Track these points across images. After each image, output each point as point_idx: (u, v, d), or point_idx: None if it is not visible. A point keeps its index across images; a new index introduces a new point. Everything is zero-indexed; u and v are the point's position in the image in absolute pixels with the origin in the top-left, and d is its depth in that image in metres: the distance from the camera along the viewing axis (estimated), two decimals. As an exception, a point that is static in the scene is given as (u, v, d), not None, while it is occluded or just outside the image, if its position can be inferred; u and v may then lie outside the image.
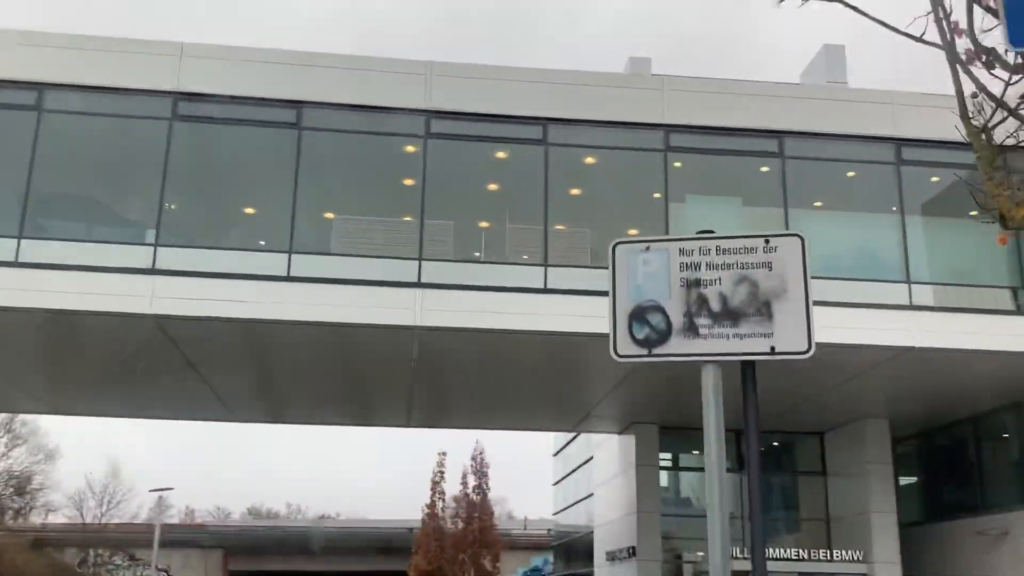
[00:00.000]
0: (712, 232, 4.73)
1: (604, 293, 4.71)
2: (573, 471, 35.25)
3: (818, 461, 24.72)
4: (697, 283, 4.67)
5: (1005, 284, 17.38)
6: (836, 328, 16.28)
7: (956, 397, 21.00)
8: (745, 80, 19.82)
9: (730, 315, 4.63)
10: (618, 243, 4.80)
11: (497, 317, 15.60)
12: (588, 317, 15.61)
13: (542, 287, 15.97)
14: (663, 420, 23.97)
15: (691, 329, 4.63)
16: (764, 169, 17.65)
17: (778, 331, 4.56)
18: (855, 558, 21.84)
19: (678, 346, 4.63)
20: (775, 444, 25.60)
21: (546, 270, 16.04)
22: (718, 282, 4.66)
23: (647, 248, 4.74)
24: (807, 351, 4.52)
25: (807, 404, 20.83)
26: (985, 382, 19.30)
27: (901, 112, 17.36)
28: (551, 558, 59.28)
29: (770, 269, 4.59)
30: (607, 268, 4.70)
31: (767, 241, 4.65)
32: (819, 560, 21.84)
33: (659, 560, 23.22)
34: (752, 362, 4.64)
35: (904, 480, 23.27)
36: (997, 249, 17.57)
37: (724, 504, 4.37)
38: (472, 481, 46.61)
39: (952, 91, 6.31)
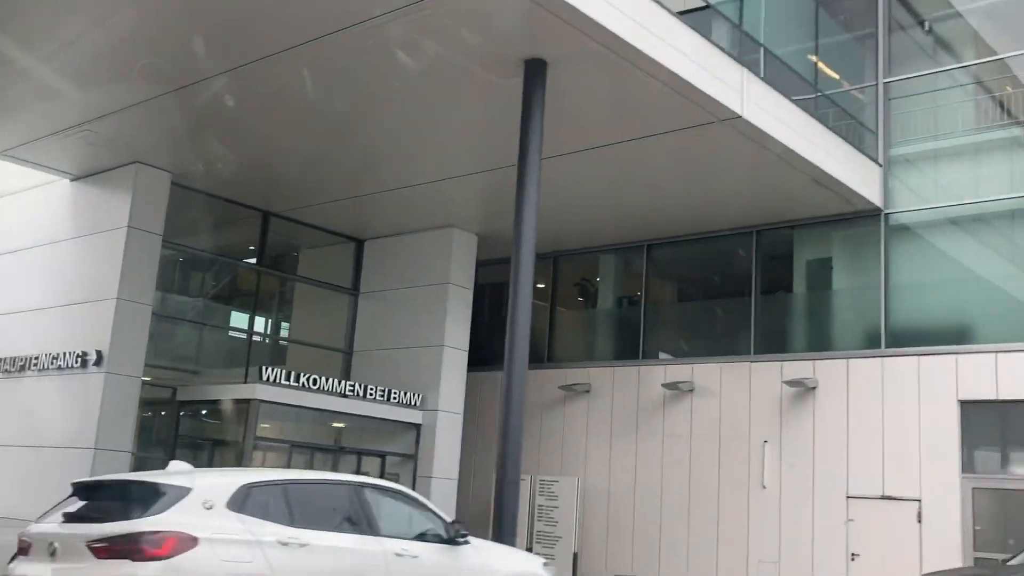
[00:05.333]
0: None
1: None
2: None
3: (349, 275, 18.76)
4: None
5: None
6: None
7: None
8: None
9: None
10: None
11: None
12: None
13: None
14: (180, 171, 15.46)
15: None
16: None
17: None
18: (412, 403, 16.63)
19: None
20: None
21: None
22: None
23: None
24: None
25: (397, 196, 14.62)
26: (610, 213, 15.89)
27: None
28: None
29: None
30: None
31: None
32: (375, 400, 16.14)
33: (139, 376, 14.83)
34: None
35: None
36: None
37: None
38: None
39: None
